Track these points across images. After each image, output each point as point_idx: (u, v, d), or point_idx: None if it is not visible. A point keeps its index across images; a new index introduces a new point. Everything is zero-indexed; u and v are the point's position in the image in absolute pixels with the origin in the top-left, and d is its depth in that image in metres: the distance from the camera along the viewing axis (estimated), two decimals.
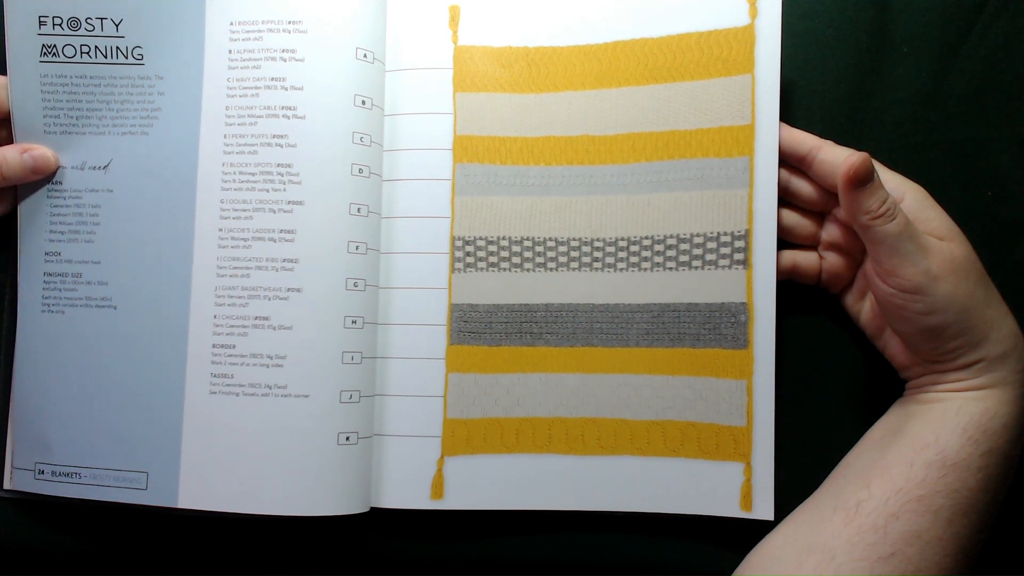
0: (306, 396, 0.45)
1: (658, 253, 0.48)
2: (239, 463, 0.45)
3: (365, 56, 0.47)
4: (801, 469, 0.47)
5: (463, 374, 0.48)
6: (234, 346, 0.46)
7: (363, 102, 0.47)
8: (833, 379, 0.49)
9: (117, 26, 0.47)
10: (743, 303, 0.47)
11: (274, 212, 0.46)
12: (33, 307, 0.48)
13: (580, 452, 0.48)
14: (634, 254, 0.48)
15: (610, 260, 0.48)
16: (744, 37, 0.47)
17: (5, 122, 0.48)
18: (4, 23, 0.47)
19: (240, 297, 0.46)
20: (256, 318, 0.46)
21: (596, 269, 0.48)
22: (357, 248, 0.47)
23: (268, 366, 0.45)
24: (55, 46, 0.47)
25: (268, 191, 0.46)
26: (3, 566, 0.50)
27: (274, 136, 0.46)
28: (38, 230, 0.48)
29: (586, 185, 0.48)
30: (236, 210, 0.46)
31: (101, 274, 0.47)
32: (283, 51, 0.46)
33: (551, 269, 0.48)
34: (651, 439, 0.48)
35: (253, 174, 0.46)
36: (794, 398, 0.49)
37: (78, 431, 0.47)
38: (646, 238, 0.48)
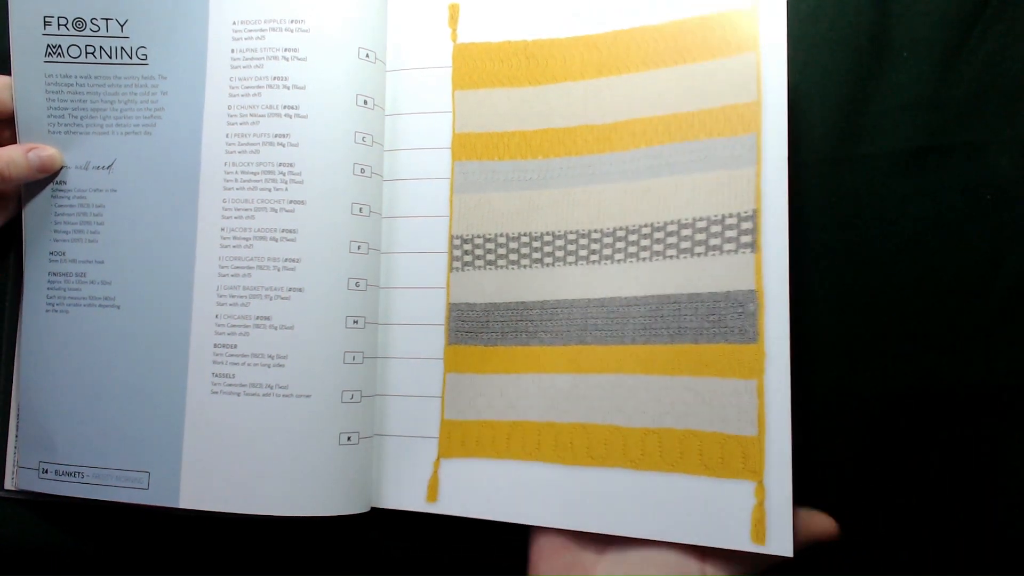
0: (307, 396, 0.45)
1: (657, 241, 0.45)
2: (240, 463, 0.45)
3: (367, 56, 0.47)
4: (825, 492, 0.45)
5: (460, 374, 0.48)
6: (236, 346, 0.46)
7: (365, 102, 0.47)
8: (862, 383, 0.48)
9: (122, 27, 0.47)
10: (752, 290, 0.43)
11: (276, 211, 0.46)
12: (38, 307, 0.48)
13: (568, 462, 0.44)
14: (632, 243, 0.45)
15: (607, 251, 0.46)
16: (747, 19, 0.45)
17: (8, 122, 0.48)
18: (8, 23, 0.47)
19: (242, 297, 0.46)
20: (258, 318, 0.46)
21: (593, 262, 0.46)
22: (359, 248, 0.47)
23: (269, 366, 0.45)
24: (60, 46, 0.47)
25: (270, 190, 0.46)
26: (7, 565, 0.50)
27: (276, 135, 0.46)
28: (43, 230, 0.48)
29: (585, 175, 0.47)
30: (238, 209, 0.46)
31: (105, 274, 0.48)
32: (285, 50, 0.46)
33: (548, 264, 0.47)
34: (646, 450, 0.43)
35: (255, 173, 0.46)
36: (814, 404, 0.47)
37: (82, 430, 0.47)
38: (645, 226, 0.45)
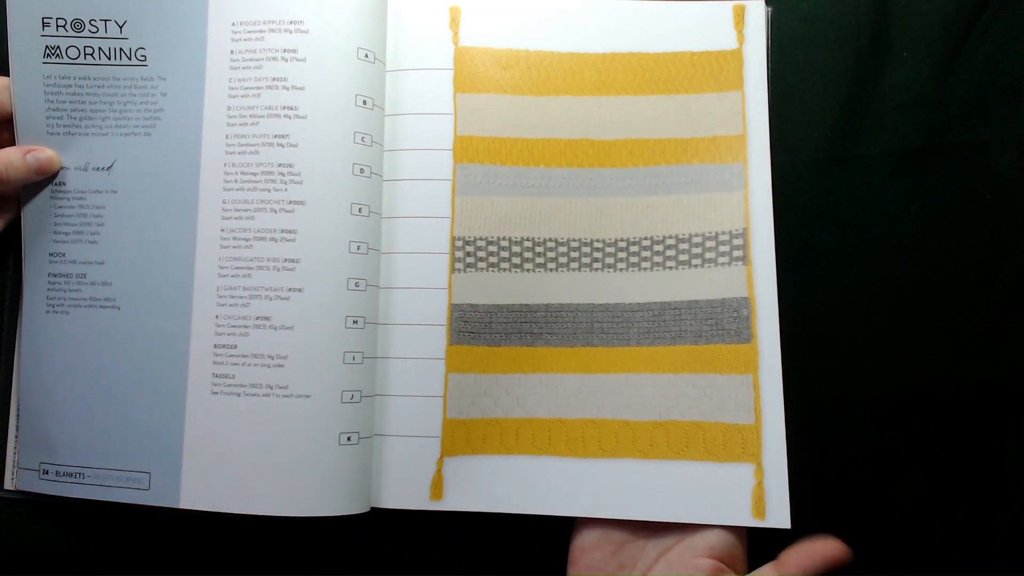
0: (307, 396, 0.45)
1: (657, 253, 0.48)
2: (240, 464, 0.45)
3: (366, 56, 0.47)
4: (818, 471, 0.46)
5: (463, 374, 0.48)
6: (235, 346, 0.46)
7: (364, 102, 0.47)
8: (862, 382, 0.49)
9: (121, 28, 0.47)
10: (745, 297, 0.47)
11: (275, 212, 0.46)
12: (38, 308, 0.48)
13: (580, 455, 0.47)
14: (634, 254, 0.48)
15: (610, 260, 0.49)
16: (733, 59, 0.49)
17: (7, 124, 0.48)
18: (7, 24, 0.47)
19: (242, 297, 0.46)
20: (257, 318, 0.46)
21: (596, 269, 0.49)
22: (358, 248, 0.47)
23: (269, 366, 0.45)
24: (58, 47, 0.47)
25: (270, 191, 0.46)
26: (7, 565, 0.50)
27: (276, 136, 0.46)
28: (42, 231, 0.48)
29: (586, 187, 0.49)
30: (238, 210, 0.46)
31: (105, 275, 0.48)
32: (284, 51, 0.46)
33: (551, 269, 0.49)
34: (654, 441, 0.47)
35: (255, 174, 0.46)
36: (815, 403, 0.48)
37: (82, 431, 0.47)
38: (645, 239, 0.49)
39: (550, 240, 0.49)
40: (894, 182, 0.49)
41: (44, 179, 0.48)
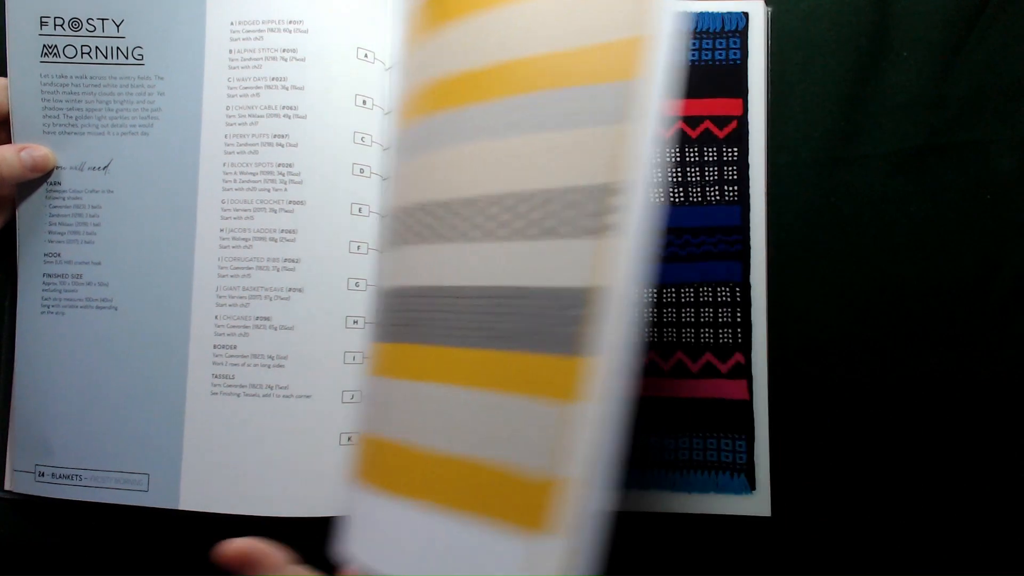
0: (308, 396, 0.45)
1: (520, 216, 0.33)
2: (240, 464, 0.45)
3: (366, 56, 0.47)
4: (824, 491, 0.46)
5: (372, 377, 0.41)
6: (235, 347, 0.46)
7: (364, 102, 0.47)
8: (862, 383, 0.48)
9: (118, 27, 0.47)
10: (582, 289, 0.31)
11: (275, 212, 0.46)
12: (33, 309, 0.48)
13: (391, 489, 0.36)
14: (491, 218, 0.34)
15: (463, 228, 0.35)
16: None
17: (4, 123, 0.48)
18: (5, 23, 0.47)
19: (241, 297, 0.46)
20: (257, 318, 0.46)
21: (445, 240, 0.35)
22: (358, 248, 0.47)
23: (269, 367, 0.45)
24: (56, 46, 0.47)
25: (269, 191, 0.46)
26: (4, 567, 0.50)
27: (275, 136, 0.46)
28: (37, 231, 0.48)
29: (449, 133, 0.36)
30: (237, 210, 0.46)
31: (102, 275, 0.47)
32: (284, 51, 0.46)
33: (398, 244, 0.38)
34: (447, 482, 0.34)
35: (254, 174, 0.46)
36: (815, 404, 0.47)
37: (79, 433, 0.47)
38: (508, 196, 0.34)
39: (401, 209, 0.38)
40: (894, 182, 0.49)
41: (39, 178, 0.48)
